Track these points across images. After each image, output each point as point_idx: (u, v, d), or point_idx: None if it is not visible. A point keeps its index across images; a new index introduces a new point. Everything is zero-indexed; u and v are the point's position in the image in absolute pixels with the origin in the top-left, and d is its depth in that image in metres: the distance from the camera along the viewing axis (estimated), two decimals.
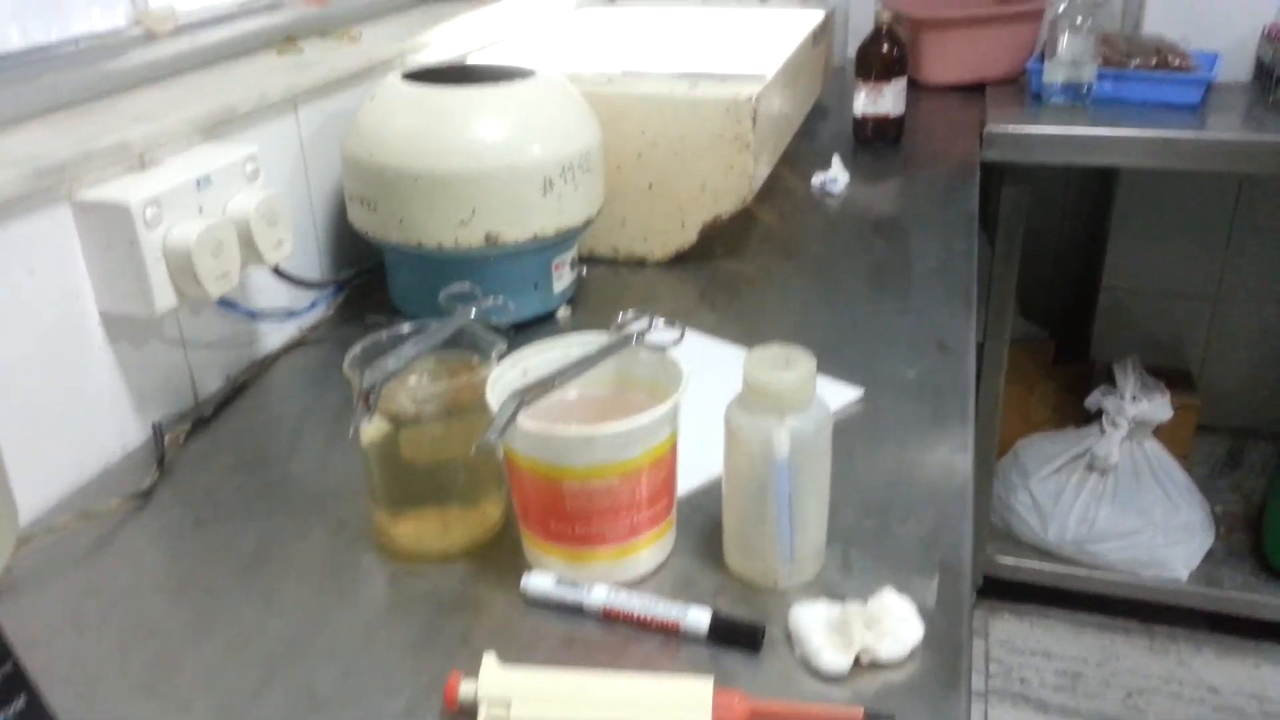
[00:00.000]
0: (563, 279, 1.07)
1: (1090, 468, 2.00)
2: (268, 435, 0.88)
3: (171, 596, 0.69)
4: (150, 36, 1.01)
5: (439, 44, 1.30)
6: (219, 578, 0.70)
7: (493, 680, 0.56)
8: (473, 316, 0.73)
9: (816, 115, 1.76)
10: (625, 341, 0.71)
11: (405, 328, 0.72)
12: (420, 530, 0.72)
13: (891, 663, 0.60)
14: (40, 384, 0.77)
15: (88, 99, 0.90)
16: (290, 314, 0.99)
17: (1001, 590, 1.99)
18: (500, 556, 0.71)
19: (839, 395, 0.89)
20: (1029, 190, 1.78)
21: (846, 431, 0.84)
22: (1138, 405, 1.96)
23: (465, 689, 0.56)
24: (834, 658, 0.59)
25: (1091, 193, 2.31)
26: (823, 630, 0.61)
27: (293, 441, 0.87)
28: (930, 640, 0.61)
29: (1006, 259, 1.83)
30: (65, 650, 0.64)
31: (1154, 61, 1.81)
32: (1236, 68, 1.94)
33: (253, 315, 0.95)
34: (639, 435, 0.63)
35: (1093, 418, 2.05)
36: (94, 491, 0.80)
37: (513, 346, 0.71)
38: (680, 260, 1.21)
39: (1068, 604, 1.98)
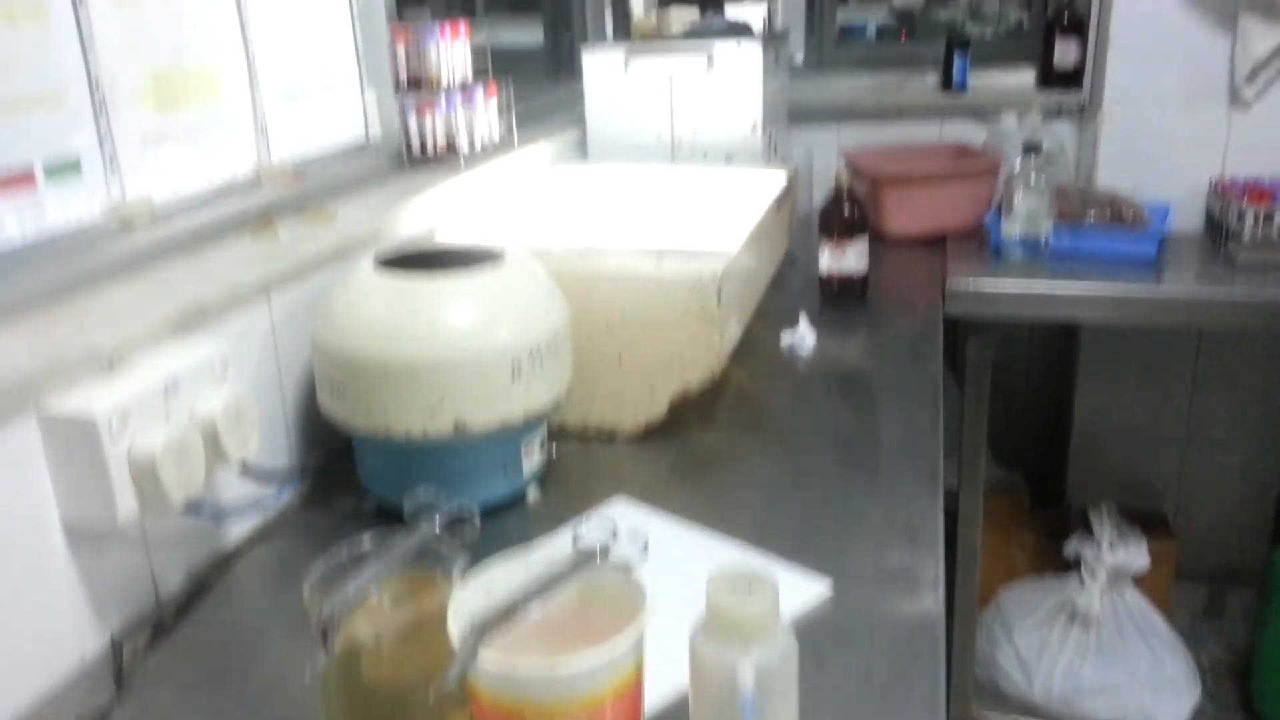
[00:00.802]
0: (532, 460, 1.07)
1: (1073, 620, 1.99)
2: (230, 643, 0.86)
3: None
4: (126, 228, 1.02)
5: (414, 217, 1.33)
6: None
7: None
8: (437, 530, 0.73)
9: (785, 263, 1.80)
10: (589, 560, 0.71)
11: (366, 543, 0.71)
12: None
13: None
14: None
15: (60, 296, 0.91)
16: (256, 507, 0.98)
17: None
18: None
19: (807, 589, 0.89)
20: (993, 341, 1.82)
21: (815, 632, 0.83)
22: (1115, 554, 1.96)
23: None
24: None
25: (1058, 338, 2.36)
26: None
27: (255, 651, 0.85)
28: None
29: (976, 409, 1.86)
30: None
31: (1108, 215, 1.87)
32: (1188, 218, 2.01)
33: (219, 515, 0.94)
34: (603, 669, 0.62)
35: (1073, 564, 2.05)
36: (50, 711, 0.78)
37: (484, 531, 0.70)
38: (650, 433, 1.22)
39: None
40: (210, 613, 0.89)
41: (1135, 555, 1.94)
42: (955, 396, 1.92)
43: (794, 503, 1.07)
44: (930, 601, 0.87)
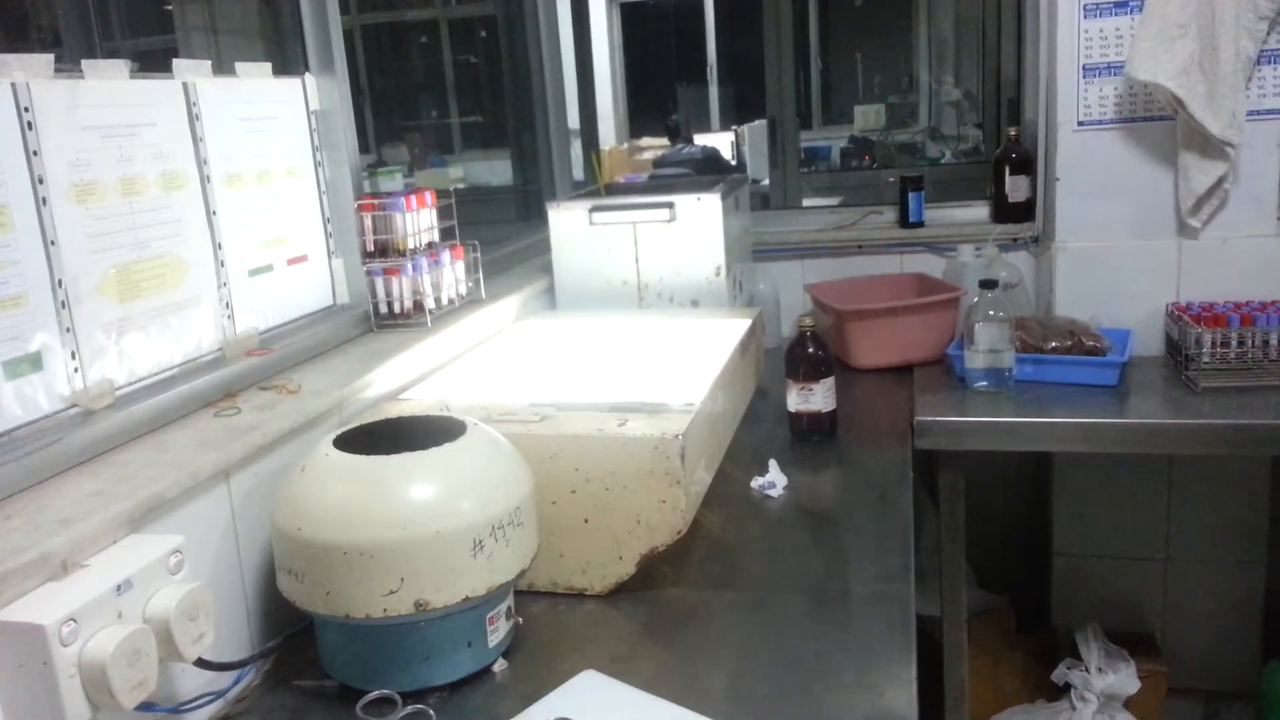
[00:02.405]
0: (497, 632, 1.06)
1: None
2: None
3: None
4: (87, 413, 1.03)
5: (379, 383, 1.35)
6: None
7: None
8: None
9: (756, 397, 1.81)
10: None
11: None
12: None
13: None
14: None
15: (16, 494, 0.91)
16: (213, 696, 0.96)
17: None
18: None
19: None
20: (965, 472, 1.82)
21: None
22: (1104, 678, 1.94)
23: None
24: None
25: (1032, 463, 2.37)
26: None
27: None
28: None
29: (953, 539, 1.85)
30: None
31: (1070, 344, 1.91)
32: (1149, 342, 2.05)
33: (174, 711, 0.92)
34: None
35: (1063, 690, 2.01)
36: None
37: (449, 709, 0.69)
38: (621, 590, 1.20)
39: None
40: None
41: (1125, 679, 1.91)
42: (936, 523, 1.92)
43: (767, 664, 1.05)
44: None
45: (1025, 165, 2.26)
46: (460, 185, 3.02)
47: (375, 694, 0.74)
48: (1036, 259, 2.26)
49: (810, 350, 1.68)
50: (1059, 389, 1.85)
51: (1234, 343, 1.85)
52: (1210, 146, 1.97)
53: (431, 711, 0.74)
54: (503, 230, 2.40)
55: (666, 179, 2.08)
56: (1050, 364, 1.88)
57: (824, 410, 1.70)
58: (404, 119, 3.97)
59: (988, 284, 1.83)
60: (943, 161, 4.25)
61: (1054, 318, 2.05)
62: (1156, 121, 2.04)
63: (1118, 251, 2.09)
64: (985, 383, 1.85)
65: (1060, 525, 2.28)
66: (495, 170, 3.11)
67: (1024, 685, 2.13)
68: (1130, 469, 2.22)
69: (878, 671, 1.01)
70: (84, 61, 1.08)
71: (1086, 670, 1.95)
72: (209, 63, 1.27)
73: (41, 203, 1.01)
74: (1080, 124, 2.09)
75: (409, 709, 0.73)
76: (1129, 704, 1.96)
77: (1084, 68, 2.05)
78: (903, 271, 2.35)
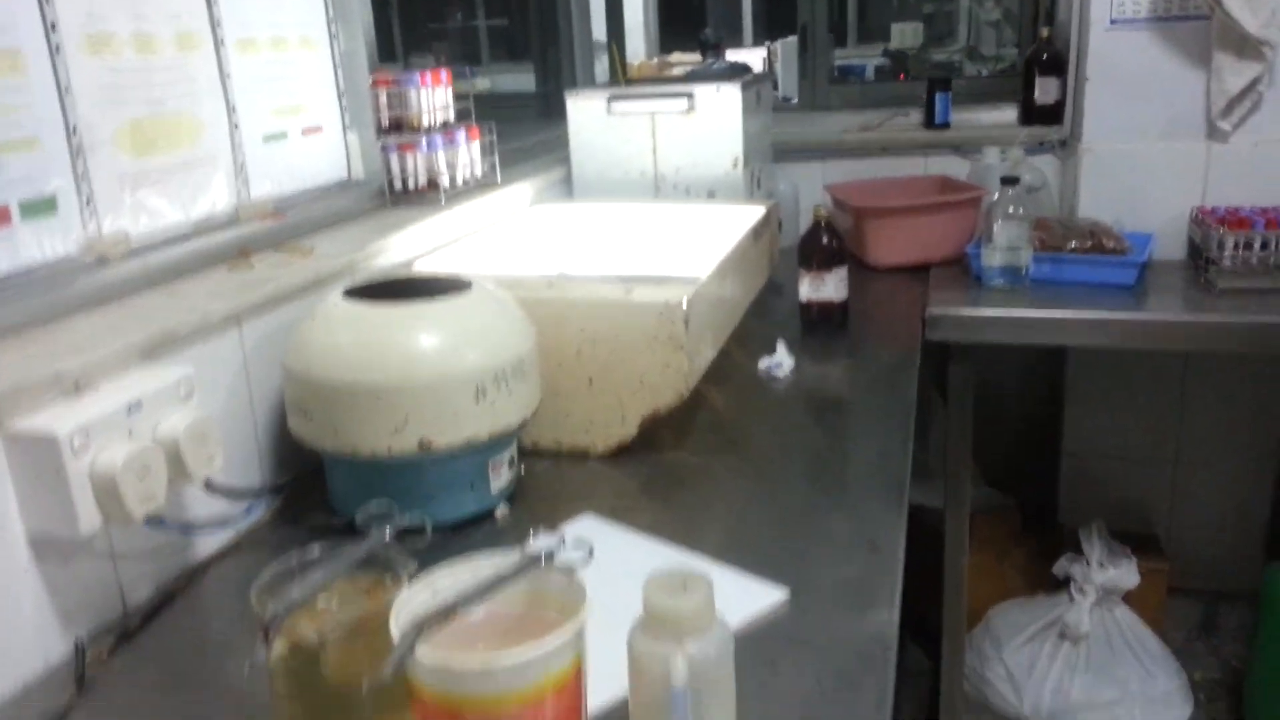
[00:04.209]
0: (500, 478, 1.09)
1: (1063, 636, 1.97)
2: (193, 650, 0.88)
3: None
4: (101, 262, 1.06)
5: (391, 251, 1.36)
6: None
7: None
8: (388, 538, 0.74)
9: (770, 291, 1.81)
10: (533, 564, 0.72)
11: (316, 551, 0.73)
12: None
13: None
14: None
15: (31, 325, 0.94)
16: (224, 523, 1.00)
17: None
18: None
19: (763, 596, 0.89)
20: (976, 366, 1.83)
21: (770, 638, 0.84)
22: (1105, 572, 1.96)
23: None
24: None
25: (1047, 362, 2.37)
26: None
27: (218, 657, 0.86)
28: None
29: (960, 431, 1.86)
30: None
31: (1089, 244, 1.89)
32: (1171, 248, 2.03)
33: (184, 530, 0.96)
34: (539, 663, 0.63)
35: (1063, 584, 2.04)
36: (12, 712, 0.80)
37: (450, 547, 0.71)
38: (623, 451, 1.23)
39: None
40: (176, 622, 0.92)
41: (1125, 574, 1.93)
42: (945, 421, 1.93)
43: (761, 519, 1.08)
44: (885, 614, 0.88)
45: (1056, 66, 2.21)
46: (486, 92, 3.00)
47: (371, 508, 0.77)
48: (1062, 163, 2.23)
49: (824, 240, 1.67)
50: (1076, 289, 1.84)
51: (1257, 245, 1.82)
52: (1247, 46, 1.92)
53: (427, 520, 0.77)
54: (526, 129, 2.39)
55: (700, 75, 2.06)
56: (1068, 263, 1.87)
57: (835, 300, 1.70)
58: (430, 24, 3.94)
59: (1009, 180, 1.81)
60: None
61: (1075, 219, 2.03)
62: (1191, 20, 1.99)
63: (1145, 154, 2.06)
64: (1001, 280, 1.85)
65: (1071, 425, 2.28)
66: (521, 83, 3.09)
67: (1026, 582, 2.16)
68: (1143, 371, 2.21)
69: (872, 526, 1.03)
70: None
71: (1088, 564, 1.97)
72: None
73: (55, 50, 1.03)
74: (1113, 22, 2.04)
75: (405, 516, 0.76)
76: (1129, 599, 1.98)
77: None
78: (927, 173, 2.33)
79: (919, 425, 1.34)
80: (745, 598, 0.88)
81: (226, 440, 0.97)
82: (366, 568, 0.74)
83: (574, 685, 0.67)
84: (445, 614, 0.67)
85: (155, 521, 0.86)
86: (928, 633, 1.97)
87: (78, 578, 0.87)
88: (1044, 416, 2.40)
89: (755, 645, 0.81)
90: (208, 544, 1.02)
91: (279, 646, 0.67)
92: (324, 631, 0.69)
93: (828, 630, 0.86)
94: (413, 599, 0.69)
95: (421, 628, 0.64)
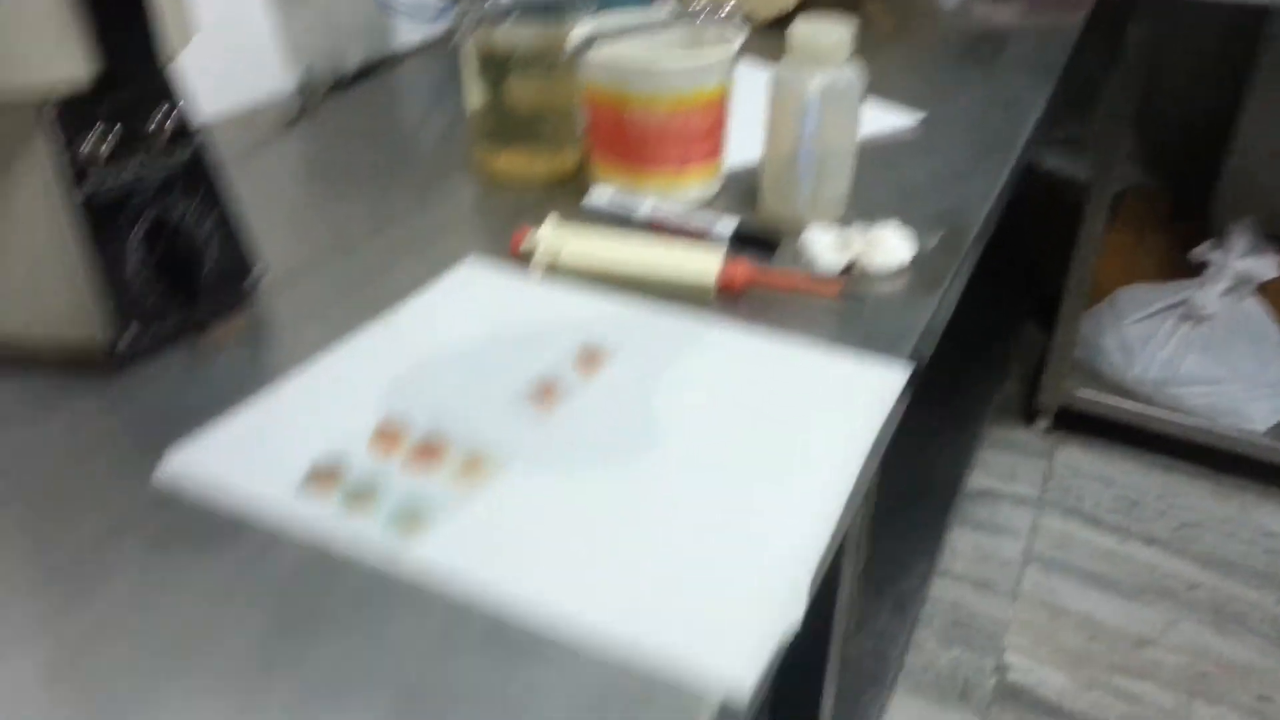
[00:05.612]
0: None
1: (1186, 317, 2.01)
2: (396, 103, 1.04)
3: (303, 184, 0.85)
4: None
5: None
6: (342, 184, 0.86)
7: (550, 233, 0.70)
8: None
9: None
10: (694, 17, 0.82)
11: None
12: (512, 163, 0.86)
13: (880, 274, 0.71)
14: (214, 31, 0.94)
15: None
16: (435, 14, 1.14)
17: (1074, 423, 2.06)
18: (572, 188, 0.84)
19: (899, 118, 0.98)
20: (1154, 33, 1.76)
21: (901, 146, 0.93)
22: (1245, 261, 1.96)
23: (528, 241, 0.71)
24: (830, 258, 0.71)
25: (1233, 52, 2.24)
26: (826, 242, 0.72)
27: (418, 110, 1.02)
28: (918, 265, 0.72)
29: (1125, 97, 1.82)
30: None
31: None
32: None
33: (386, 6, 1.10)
34: (691, 73, 0.75)
35: (1197, 273, 2.04)
36: (248, 118, 0.99)
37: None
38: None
39: (1139, 443, 2.03)
40: (383, 85, 1.08)
41: (1266, 266, 1.93)
42: (1111, 90, 1.89)
43: (911, 70, 1.14)
44: (1006, 146, 0.95)
45: None
46: None
47: None
48: None
49: None
50: None
51: None
52: None
53: None
54: None
55: None
56: None
57: None
58: None
59: None
60: None
61: None
62: None
63: None
64: None
65: (1247, 122, 2.19)
66: None
67: (1161, 268, 2.17)
68: None
69: (1013, 89, 1.08)
70: None
71: (1227, 252, 1.97)
72: None
73: None
74: None
75: None
76: (1262, 290, 1.98)
77: None
78: None
79: (1081, 97, 1.33)
80: (882, 117, 0.98)
81: None
82: (549, 13, 0.85)
83: (719, 107, 0.79)
84: (616, 33, 0.79)
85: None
86: (1049, 315, 2.03)
87: (308, 27, 1.03)
88: (1219, 110, 2.29)
89: (883, 148, 0.91)
90: (412, 35, 1.16)
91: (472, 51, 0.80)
92: (513, 46, 0.81)
93: (950, 149, 0.94)
94: (588, 27, 0.80)
95: (595, 38, 0.76)
